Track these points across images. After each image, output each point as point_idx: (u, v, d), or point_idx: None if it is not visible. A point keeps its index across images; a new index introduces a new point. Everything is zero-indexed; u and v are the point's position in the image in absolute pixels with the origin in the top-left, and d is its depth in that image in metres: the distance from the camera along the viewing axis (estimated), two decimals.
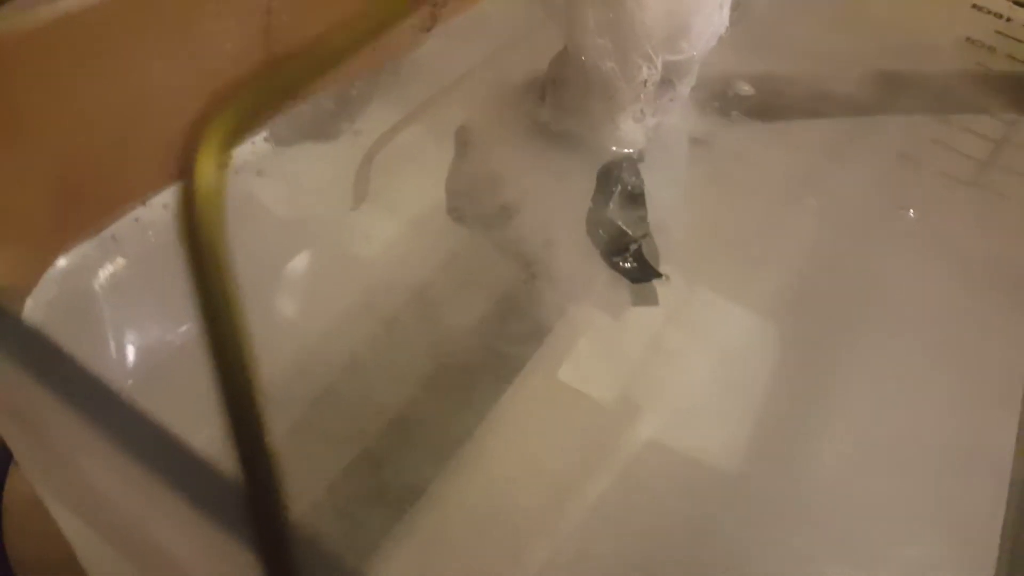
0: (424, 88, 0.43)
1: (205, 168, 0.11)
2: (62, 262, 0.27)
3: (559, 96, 0.38)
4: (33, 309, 0.25)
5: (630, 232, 0.35)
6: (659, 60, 0.34)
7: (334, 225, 0.39)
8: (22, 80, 0.21)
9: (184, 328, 0.31)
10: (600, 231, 0.35)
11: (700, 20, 0.34)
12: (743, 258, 0.40)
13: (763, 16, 0.51)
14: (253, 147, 0.38)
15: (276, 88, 0.12)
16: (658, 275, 0.33)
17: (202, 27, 0.27)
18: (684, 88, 0.39)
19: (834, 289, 0.40)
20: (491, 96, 0.41)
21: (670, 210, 0.42)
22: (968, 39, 0.56)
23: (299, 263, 0.38)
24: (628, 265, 0.33)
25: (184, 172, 0.10)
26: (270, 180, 0.39)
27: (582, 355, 0.35)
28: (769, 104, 0.48)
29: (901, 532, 0.31)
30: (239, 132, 0.11)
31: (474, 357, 0.34)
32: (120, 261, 0.30)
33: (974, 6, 0.53)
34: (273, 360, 0.30)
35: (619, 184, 0.37)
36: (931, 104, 0.50)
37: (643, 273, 0.33)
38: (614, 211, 0.37)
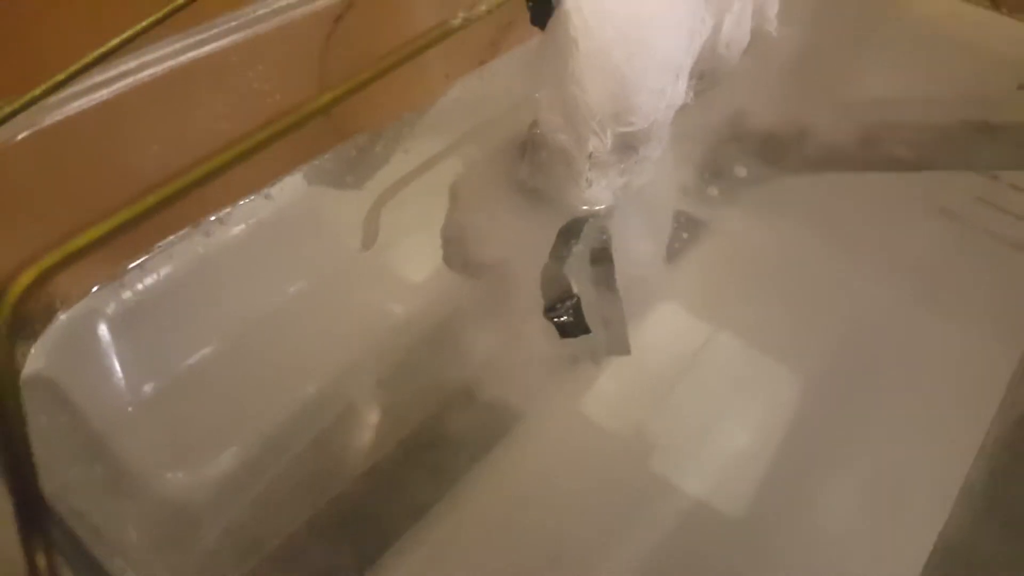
0: (436, 141, 0.48)
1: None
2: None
3: (533, 157, 0.42)
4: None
5: (574, 289, 0.38)
6: (608, 133, 0.38)
7: (343, 266, 0.45)
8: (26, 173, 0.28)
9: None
10: (548, 286, 0.39)
11: (646, 98, 0.37)
12: (765, 303, 0.43)
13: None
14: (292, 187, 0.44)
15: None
16: (587, 331, 0.37)
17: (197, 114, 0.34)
18: (651, 151, 0.42)
19: (856, 342, 0.41)
20: (485, 154, 0.46)
21: (646, 265, 0.45)
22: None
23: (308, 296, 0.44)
24: (563, 319, 0.37)
25: None
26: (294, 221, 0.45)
27: (602, 391, 0.38)
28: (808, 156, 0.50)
29: None
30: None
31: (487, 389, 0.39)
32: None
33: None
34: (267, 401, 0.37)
35: (578, 241, 0.41)
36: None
37: (575, 328, 0.37)
38: (571, 267, 0.41)
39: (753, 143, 0.52)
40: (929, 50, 0.62)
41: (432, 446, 0.36)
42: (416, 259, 0.45)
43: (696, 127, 0.46)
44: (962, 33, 0.61)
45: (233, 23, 0.34)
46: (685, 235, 0.45)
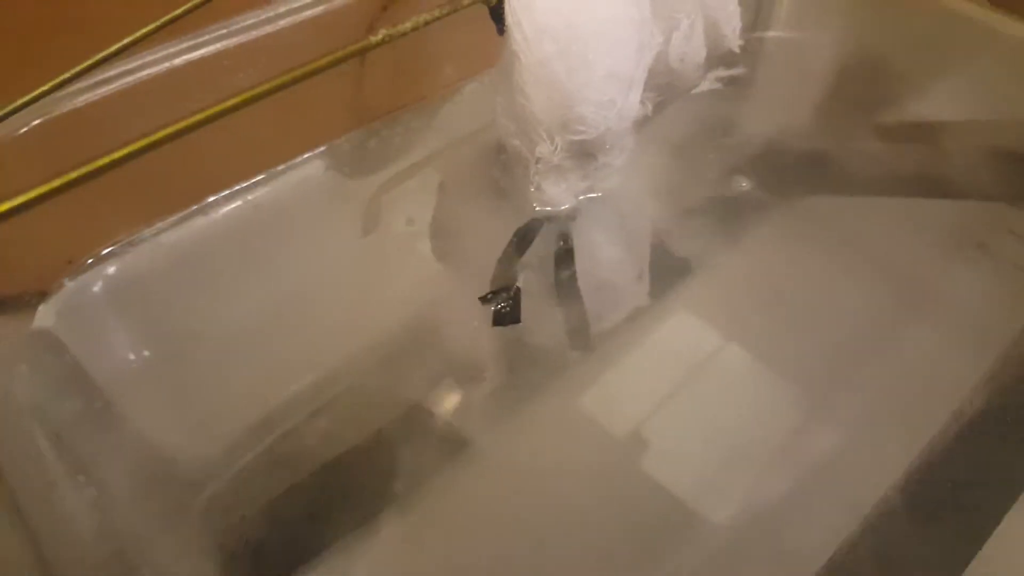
0: (440, 137, 0.52)
1: None
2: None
3: (503, 158, 0.45)
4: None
5: (518, 283, 0.42)
6: (557, 140, 0.41)
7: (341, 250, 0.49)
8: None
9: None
10: (496, 279, 0.42)
11: (593, 109, 0.40)
12: (779, 318, 0.45)
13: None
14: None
15: None
16: (517, 321, 0.40)
17: None
18: (612, 159, 0.44)
19: (863, 362, 0.43)
20: (472, 154, 0.50)
21: (612, 270, 0.48)
22: None
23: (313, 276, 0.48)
24: (497, 307, 0.41)
25: None
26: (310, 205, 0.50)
27: (600, 389, 0.42)
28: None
29: None
30: None
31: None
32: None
33: None
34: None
35: (532, 240, 0.44)
36: None
37: (506, 318, 0.40)
38: (524, 264, 0.44)
39: (755, 157, 0.53)
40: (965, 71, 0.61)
41: (419, 432, 0.39)
42: (409, 248, 0.48)
43: (684, 138, 0.48)
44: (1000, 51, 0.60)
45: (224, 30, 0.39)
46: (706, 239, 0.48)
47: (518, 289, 0.41)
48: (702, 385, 0.42)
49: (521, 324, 0.42)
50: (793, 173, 0.54)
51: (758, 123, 0.57)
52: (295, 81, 0.29)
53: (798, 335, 0.45)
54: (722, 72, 0.52)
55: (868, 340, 0.44)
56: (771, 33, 0.64)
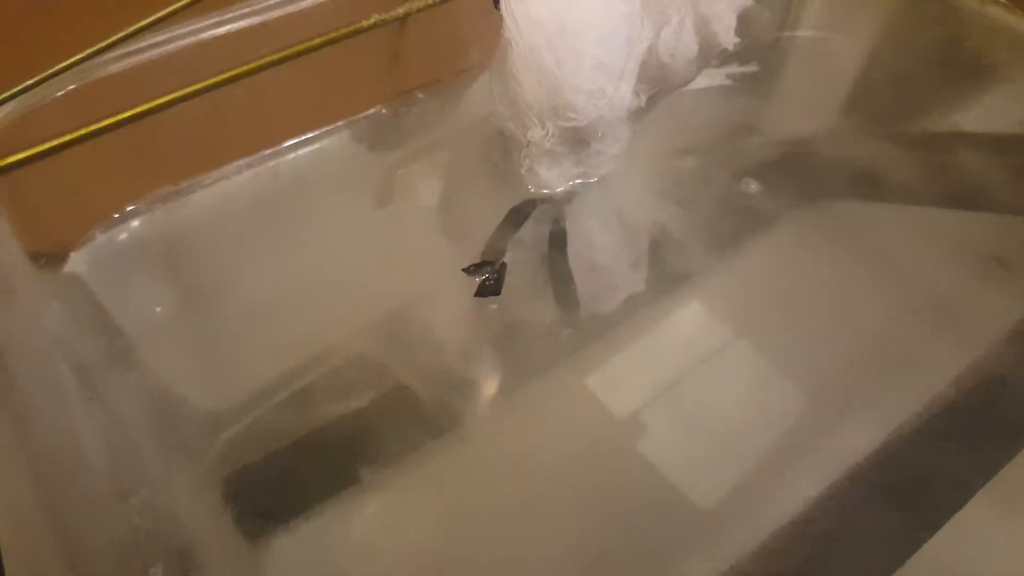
0: (451, 121, 0.55)
1: None
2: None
3: (504, 143, 0.48)
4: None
5: (504, 258, 0.44)
6: (549, 125, 0.43)
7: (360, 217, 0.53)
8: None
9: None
10: (486, 254, 0.45)
11: (583, 98, 0.42)
12: (778, 316, 0.47)
13: None
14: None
15: None
16: (496, 294, 0.43)
17: None
18: (606, 147, 0.46)
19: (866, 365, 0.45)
20: (479, 137, 0.52)
21: (607, 253, 0.50)
22: None
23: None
24: (483, 279, 0.43)
25: None
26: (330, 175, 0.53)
27: (607, 371, 0.44)
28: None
29: None
30: None
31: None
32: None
33: None
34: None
35: (525, 220, 0.46)
36: None
37: (487, 291, 0.43)
38: (518, 242, 0.46)
39: (766, 158, 0.54)
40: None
41: (418, 399, 0.42)
42: (416, 223, 0.51)
43: (690, 133, 0.50)
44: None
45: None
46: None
47: (503, 264, 0.43)
48: (697, 376, 0.44)
49: (519, 300, 0.44)
50: (804, 176, 0.55)
51: (774, 123, 0.58)
52: (298, 55, 0.33)
53: (797, 333, 0.46)
54: (735, 69, 0.54)
55: (872, 343, 0.45)
56: (801, 32, 0.64)
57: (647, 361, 0.45)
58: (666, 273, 0.49)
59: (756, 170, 0.53)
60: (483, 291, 0.42)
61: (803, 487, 0.38)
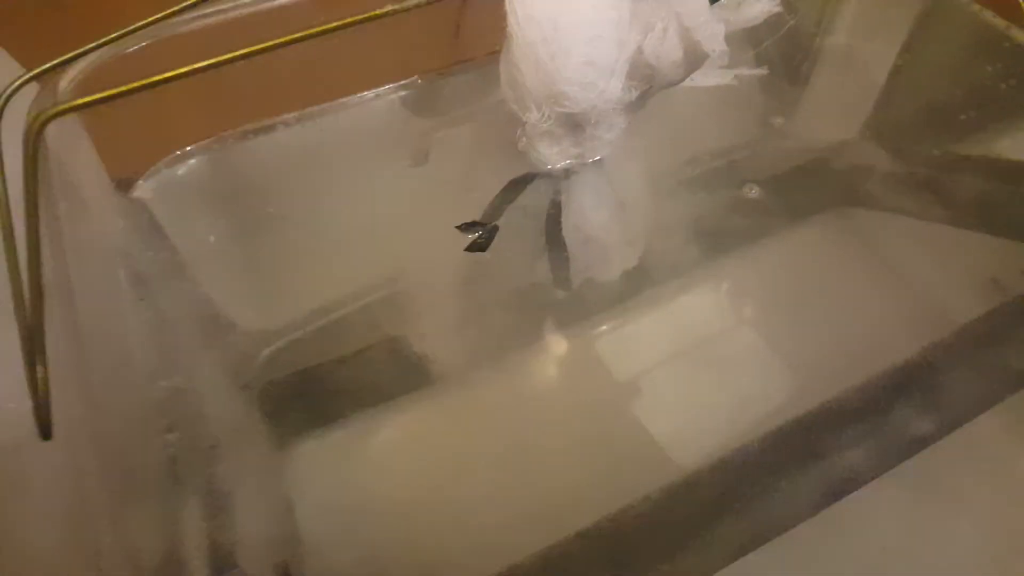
0: (476, 98, 0.61)
1: None
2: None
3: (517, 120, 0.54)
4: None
5: (496, 223, 0.51)
6: (546, 109, 0.49)
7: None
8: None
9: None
10: (485, 216, 0.52)
11: (577, 89, 0.48)
12: (775, 313, 0.52)
13: None
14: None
15: None
16: (483, 251, 0.49)
17: None
18: (602, 132, 0.52)
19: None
20: (500, 115, 0.58)
21: (597, 228, 0.56)
22: None
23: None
24: (474, 236, 0.50)
25: None
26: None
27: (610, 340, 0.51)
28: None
29: None
30: None
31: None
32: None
33: None
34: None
35: (523, 190, 0.53)
36: None
37: (475, 247, 0.50)
38: (512, 210, 0.53)
39: (767, 162, 0.59)
40: None
41: (436, 341, 0.50)
42: (440, 188, 0.58)
43: (692, 131, 0.55)
44: None
45: None
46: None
47: (495, 227, 0.50)
48: (695, 354, 0.50)
49: (519, 262, 0.51)
50: (804, 176, 0.59)
51: (781, 126, 0.62)
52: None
53: (796, 332, 0.51)
54: (743, 71, 0.58)
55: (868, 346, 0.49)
56: (830, 39, 0.68)
57: (641, 328, 0.51)
58: (656, 249, 0.54)
59: (756, 171, 0.58)
60: (472, 247, 0.49)
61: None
